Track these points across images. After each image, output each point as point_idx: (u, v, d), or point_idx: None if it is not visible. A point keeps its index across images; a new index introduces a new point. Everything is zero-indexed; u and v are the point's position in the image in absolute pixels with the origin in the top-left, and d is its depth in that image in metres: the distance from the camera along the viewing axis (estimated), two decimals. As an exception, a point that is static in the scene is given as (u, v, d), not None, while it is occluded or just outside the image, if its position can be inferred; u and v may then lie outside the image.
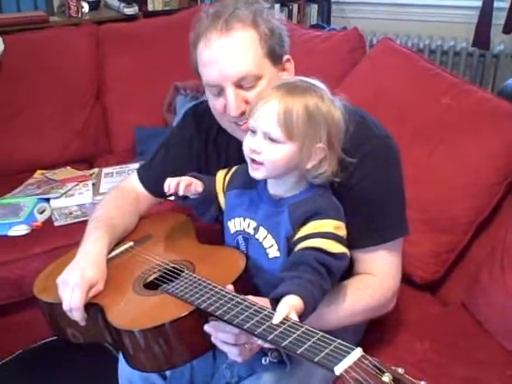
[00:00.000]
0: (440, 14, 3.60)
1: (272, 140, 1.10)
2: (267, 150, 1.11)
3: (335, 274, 1.11)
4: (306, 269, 1.07)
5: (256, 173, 1.14)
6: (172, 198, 1.51)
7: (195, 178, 1.28)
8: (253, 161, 1.13)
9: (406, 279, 1.57)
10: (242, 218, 1.23)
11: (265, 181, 1.20)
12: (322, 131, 1.10)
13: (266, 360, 1.23)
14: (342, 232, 1.14)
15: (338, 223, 1.14)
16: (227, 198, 1.28)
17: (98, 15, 3.24)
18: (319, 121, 1.10)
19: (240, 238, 1.24)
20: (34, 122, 2.57)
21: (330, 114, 1.11)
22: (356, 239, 1.23)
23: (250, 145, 1.12)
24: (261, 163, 1.12)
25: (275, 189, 1.19)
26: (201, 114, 1.44)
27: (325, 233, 1.11)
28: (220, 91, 1.26)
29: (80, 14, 3.13)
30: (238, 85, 1.23)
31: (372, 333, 1.42)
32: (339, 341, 0.90)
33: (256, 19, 1.25)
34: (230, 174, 1.30)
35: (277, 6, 3.70)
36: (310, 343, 0.90)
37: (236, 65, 1.22)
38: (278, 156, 1.11)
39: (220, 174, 1.32)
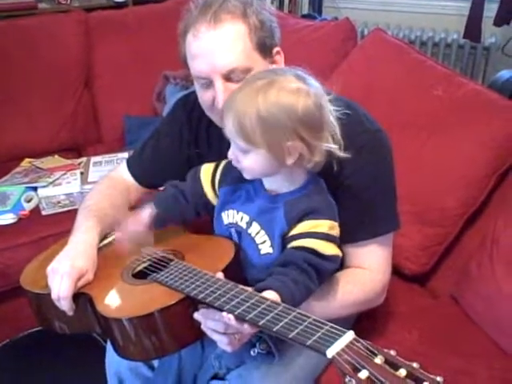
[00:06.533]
0: (431, 5, 3.59)
1: (241, 149, 1.10)
2: (241, 159, 1.11)
3: (324, 275, 1.12)
4: (293, 268, 1.07)
5: (244, 174, 1.16)
6: (161, 188, 1.51)
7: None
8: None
9: (396, 271, 1.57)
10: (235, 211, 1.22)
11: None
12: (285, 130, 1.06)
13: (254, 351, 1.23)
14: (336, 231, 1.14)
15: (333, 223, 1.13)
16: (220, 193, 1.27)
17: (87, 2, 3.22)
18: (276, 123, 1.05)
19: (233, 230, 1.23)
20: (22, 110, 2.55)
21: (291, 109, 1.05)
22: (347, 233, 1.23)
23: (228, 154, 1.14)
24: (243, 169, 1.14)
25: (270, 184, 1.18)
26: (191, 104, 1.43)
27: (319, 233, 1.10)
28: (209, 83, 1.24)
29: (69, 1, 3.12)
30: (227, 77, 1.21)
31: (361, 324, 1.42)
32: (331, 324, 0.89)
33: (246, 11, 1.22)
34: (220, 167, 1.29)
35: (268, -5, 3.68)
36: (301, 327, 0.90)
37: (225, 58, 1.20)
38: (252, 163, 1.11)
39: (207, 169, 1.31)
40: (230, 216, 1.23)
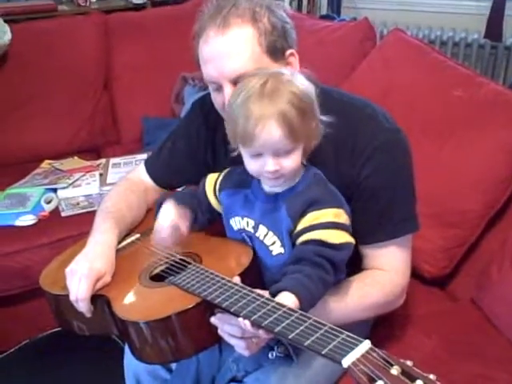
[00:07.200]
0: (451, 5, 3.56)
1: (285, 152, 1.08)
2: (285, 163, 1.09)
3: (338, 264, 1.09)
4: (306, 264, 1.06)
5: (277, 184, 1.14)
6: (180, 188, 1.51)
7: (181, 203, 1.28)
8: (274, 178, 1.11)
9: (415, 274, 1.55)
10: (239, 217, 1.22)
11: (258, 179, 1.19)
12: (312, 112, 1.09)
13: (272, 354, 1.23)
14: (343, 218, 1.12)
15: (337, 210, 1.11)
16: (221, 198, 1.27)
17: (106, 4, 3.24)
18: (308, 108, 1.08)
19: (244, 235, 1.23)
20: (41, 112, 2.57)
21: (310, 90, 1.09)
22: (366, 234, 1.23)
23: (267, 168, 1.08)
24: (283, 175, 1.11)
25: (273, 187, 1.17)
26: (209, 105, 1.42)
27: (324, 223, 1.09)
28: (219, 87, 1.23)
29: (88, 3, 3.14)
30: (236, 82, 1.19)
31: (379, 328, 1.41)
32: (347, 333, 0.89)
33: (255, 15, 1.21)
34: (221, 176, 1.29)
35: (287, -5, 3.67)
36: (317, 335, 0.90)
37: (233, 63, 1.19)
38: (293, 162, 1.10)
39: (211, 178, 1.31)
40: (237, 223, 1.23)
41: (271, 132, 1.05)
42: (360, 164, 1.22)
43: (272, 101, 1.05)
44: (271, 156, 1.07)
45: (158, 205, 1.31)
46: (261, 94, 1.06)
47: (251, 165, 1.11)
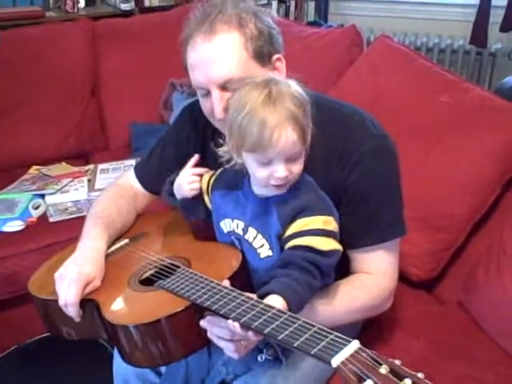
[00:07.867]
0: (437, 11, 3.60)
1: (295, 157, 1.09)
2: (293, 168, 1.10)
3: (326, 270, 1.11)
4: (294, 268, 1.07)
5: (281, 192, 1.14)
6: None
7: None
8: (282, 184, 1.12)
9: (402, 277, 1.56)
10: (230, 219, 1.23)
11: (249, 181, 1.20)
12: (308, 110, 1.10)
13: (261, 357, 1.24)
14: (332, 226, 1.13)
15: (327, 218, 1.13)
16: (212, 199, 1.28)
17: (94, 10, 3.24)
18: (306, 106, 1.10)
19: (233, 238, 1.24)
20: (29, 118, 2.56)
21: (300, 90, 1.11)
22: (354, 238, 1.24)
23: (278, 174, 1.08)
24: (289, 182, 1.12)
25: (261, 189, 1.18)
26: (198, 112, 1.43)
27: (313, 230, 1.10)
28: (207, 93, 1.24)
29: (76, 10, 3.14)
30: (223, 87, 1.21)
31: (368, 331, 1.42)
32: (336, 333, 0.89)
33: (242, 21, 1.22)
34: (214, 176, 1.30)
35: (274, 2, 3.70)
36: (306, 336, 0.90)
37: (220, 69, 1.20)
38: (301, 166, 1.12)
39: (206, 176, 1.32)
40: (227, 225, 1.24)
41: (288, 137, 1.06)
42: (348, 169, 1.23)
43: (282, 106, 1.06)
44: (283, 162, 1.08)
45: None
46: (270, 101, 1.06)
47: (260, 173, 1.11)
